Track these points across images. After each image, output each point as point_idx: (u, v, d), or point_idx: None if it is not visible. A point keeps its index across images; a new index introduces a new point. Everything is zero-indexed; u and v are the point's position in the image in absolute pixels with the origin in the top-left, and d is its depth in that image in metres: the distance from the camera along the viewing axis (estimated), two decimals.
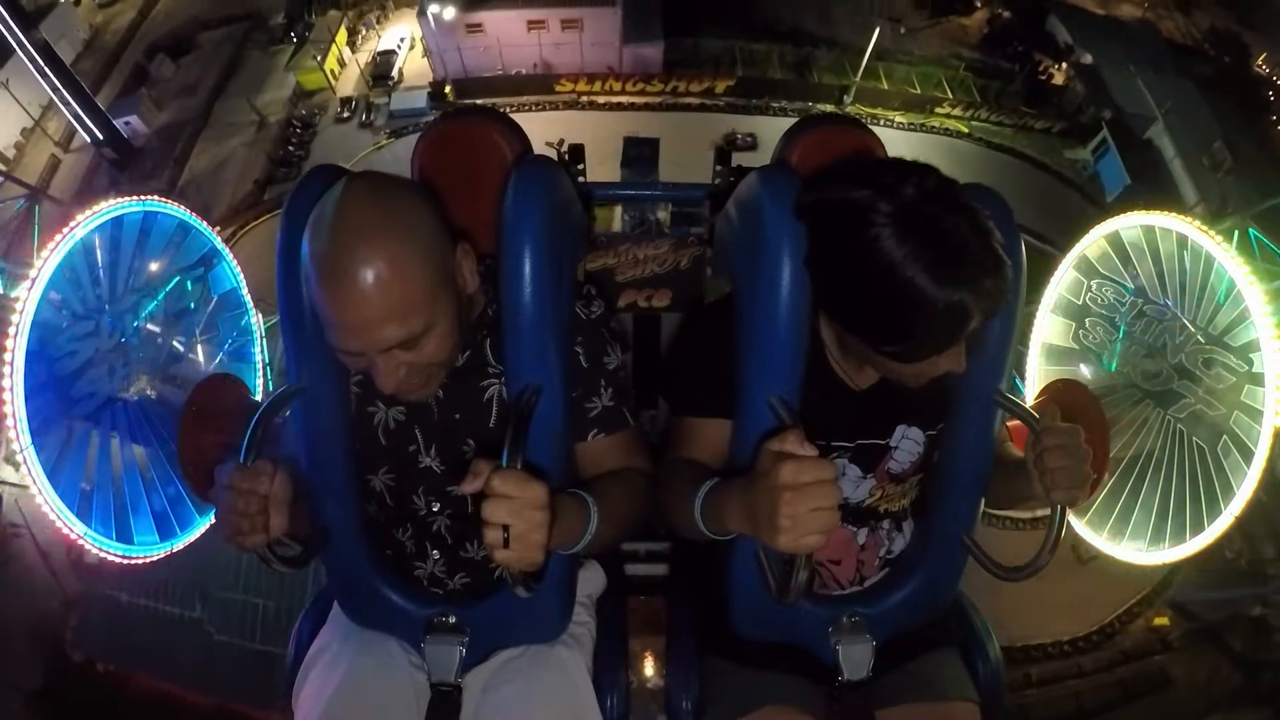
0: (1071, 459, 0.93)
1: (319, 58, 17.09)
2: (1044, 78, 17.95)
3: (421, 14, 15.98)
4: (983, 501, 1.16)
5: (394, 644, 1.17)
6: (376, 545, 1.16)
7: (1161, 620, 10.33)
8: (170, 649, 9.06)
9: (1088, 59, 17.54)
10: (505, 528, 0.78)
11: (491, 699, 1.12)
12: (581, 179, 1.81)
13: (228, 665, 8.78)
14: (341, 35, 17.93)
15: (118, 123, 15.94)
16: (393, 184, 0.92)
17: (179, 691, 9.17)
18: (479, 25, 16.38)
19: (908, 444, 1.15)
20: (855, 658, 1.15)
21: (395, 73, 17.29)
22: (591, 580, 1.32)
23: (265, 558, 0.94)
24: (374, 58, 17.70)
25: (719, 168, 1.89)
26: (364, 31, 18.72)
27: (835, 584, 1.23)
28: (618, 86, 16.56)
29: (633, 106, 16.45)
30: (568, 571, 1.15)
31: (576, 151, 1.81)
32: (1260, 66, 19.81)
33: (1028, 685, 9.65)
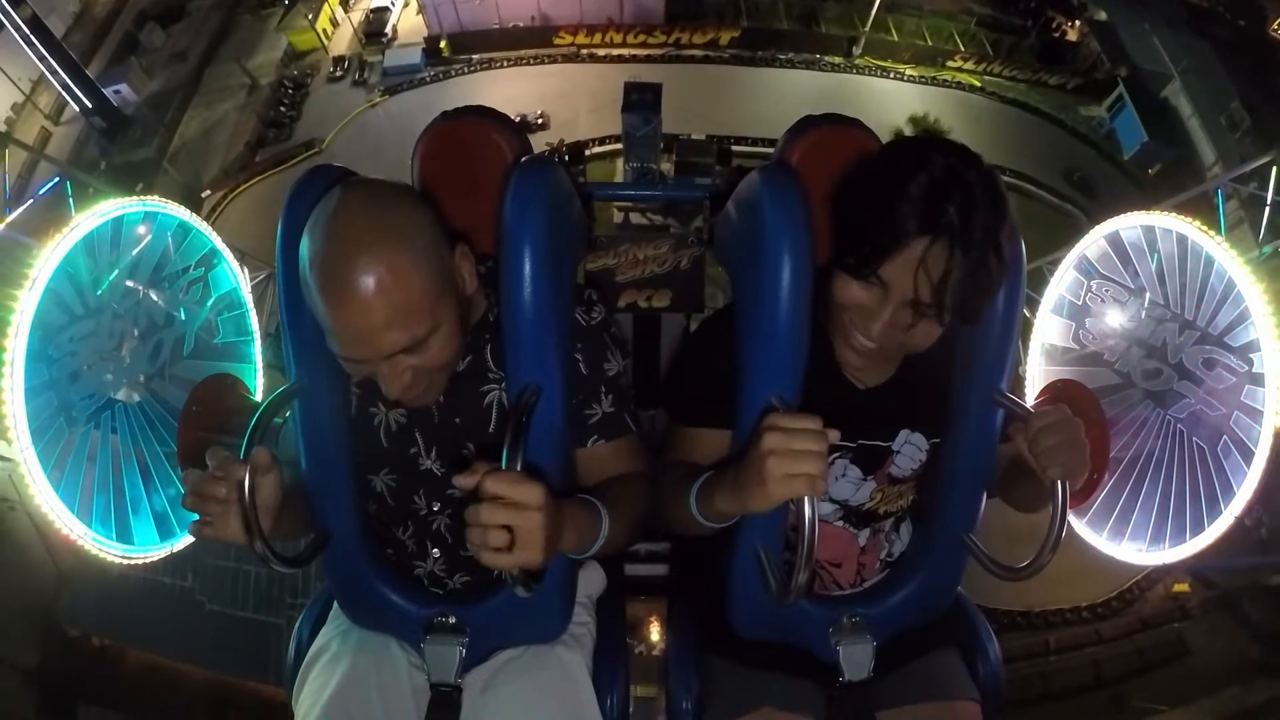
0: (1061, 435, 0.93)
1: (311, 17, 16.87)
2: (1057, 34, 17.61)
3: None
4: (984, 501, 1.16)
5: (394, 644, 1.17)
6: (376, 545, 1.16)
7: (1181, 587, 10.26)
8: (163, 621, 8.94)
9: (1102, 16, 17.25)
10: (508, 528, 0.78)
11: (491, 699, 1.12)
12: (581, 179, 1.81)
13: (220, 636, 8.66)
14: None
15: (107, 92, 15.78)
16: (388, 189, 0.92)
17: (174, 665, 9.07)
18: None
19: (910, 449, 1.15)
20: (856, 658, 1.16)
21: (389, 30, 17.01)
22: (591, 580, 1.32)
23: (264, 557, 0.94)
24: (367, 15, 17.39)
25: (719, 167, 1.89)
26: None
27: (835, 586, 1.23)
28: (618, 38, 16.16)
29: (634, 59, 16.06)
30: (568, 572, 1.16)
31: (577, 151, 1.81)
32: (1276, 30, 19.29)
33: (1046, 652, 9.63)
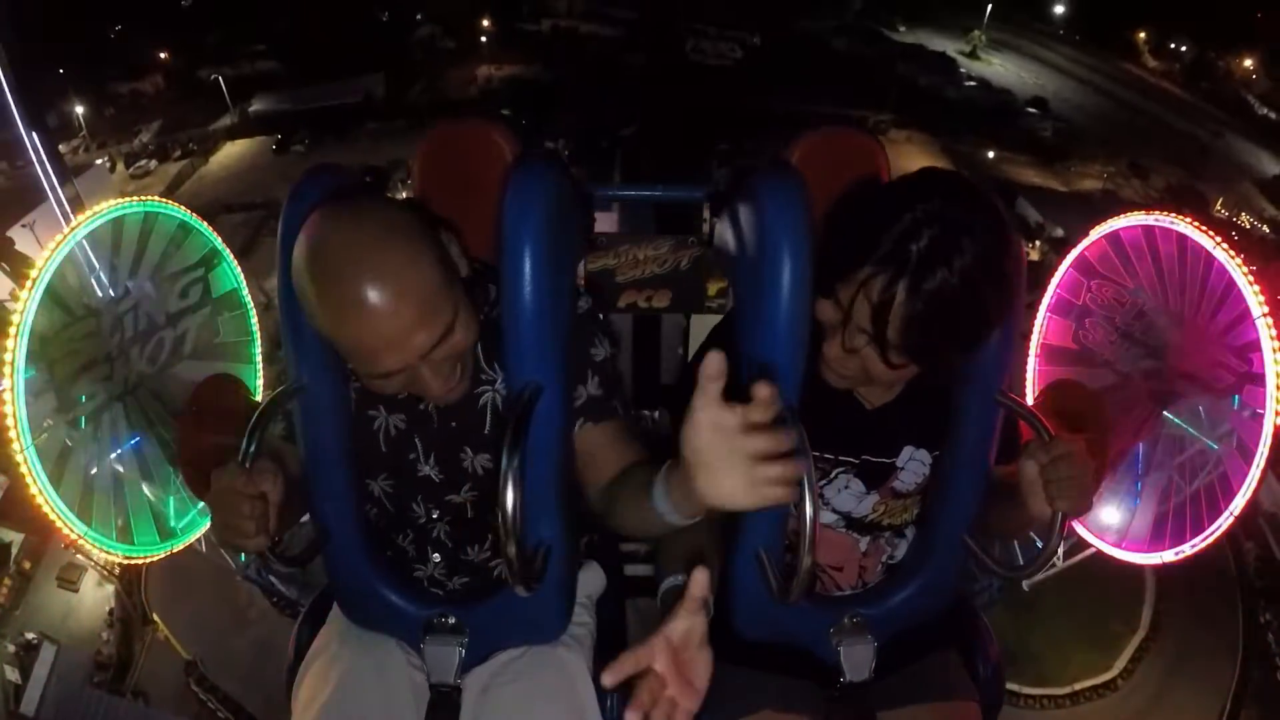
0: (1081, 469, 0.92)
1: None
2: None
3: None
4: (982, 506, 1.16)
5: (393, 645, 1.17)
6: (376, 546, 1.16)
7: None
8: None
9: (1059, 233, 18.32)
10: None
11: (491, 699, 1.12)
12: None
13: None
14: None
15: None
16: (365, 199, 0.92)
17: None
18: None
19: (914, 465, 1.15)
20: (856, 658, 1.15)
21: None
22: (591, 580, 1.31)
23: (267, 559, 0.94)
24: None
25: (719, 169, 1.90)
26: None
27: (836, 588, 1.23)
28: None
29: None
30: (568, 572, 1.15)
31: (577, 153, 1.81)
32: (1219, 211, 21.26)
33: None
